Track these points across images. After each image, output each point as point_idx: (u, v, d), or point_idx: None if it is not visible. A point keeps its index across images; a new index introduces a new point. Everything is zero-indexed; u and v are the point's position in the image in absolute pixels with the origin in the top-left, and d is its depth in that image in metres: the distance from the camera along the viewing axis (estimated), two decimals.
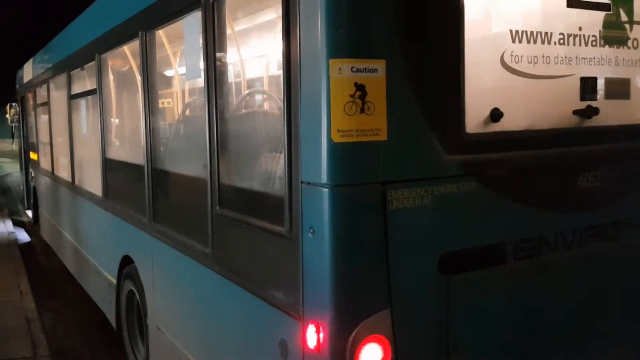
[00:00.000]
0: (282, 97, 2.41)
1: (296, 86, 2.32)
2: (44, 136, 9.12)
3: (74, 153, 6.84)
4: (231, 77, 3.22)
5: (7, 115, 12.66)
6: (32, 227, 11.54)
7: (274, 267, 2.61)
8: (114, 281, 5.25)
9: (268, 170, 2.73)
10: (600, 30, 2.91)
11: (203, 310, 3.50)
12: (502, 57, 2.59)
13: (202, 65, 3.16)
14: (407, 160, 2.33)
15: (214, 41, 3.01)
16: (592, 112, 2.86)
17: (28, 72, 10.63)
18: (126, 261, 4.90)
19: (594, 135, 2.91)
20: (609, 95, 2.98)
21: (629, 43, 3.04)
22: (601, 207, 2.94)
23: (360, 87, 2.17)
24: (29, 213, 12.20)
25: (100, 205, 5.64)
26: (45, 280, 8.06)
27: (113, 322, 5.41)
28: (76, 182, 6.84)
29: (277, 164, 2.61)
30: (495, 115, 2.56)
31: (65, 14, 7.28)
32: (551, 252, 2.75)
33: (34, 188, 10.99)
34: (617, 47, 3.00)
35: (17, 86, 12.65)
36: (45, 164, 9.19)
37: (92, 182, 5.95)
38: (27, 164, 11.93)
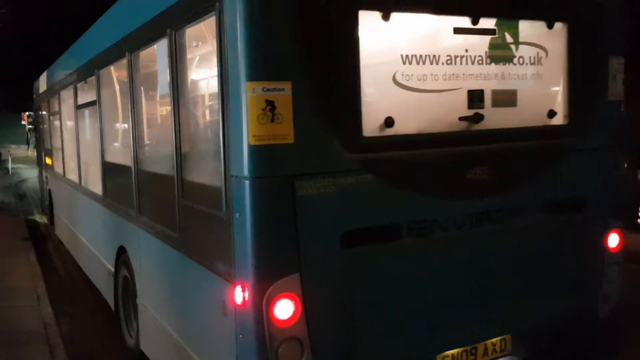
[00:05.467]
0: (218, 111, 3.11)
1: (227, 102, 3.02)
2: (56, 142, 9.97)
3: (80, 157, 7.64)
4: (191, 93, 3.94)
5: (23, 122, 13.61)
6: (47, 231, 12.06)
7: (217, 244, 3.29)
8: (112, 269, 5.98)
9: (213, 167, 3.42)
10: (486, 51, 3.55)
11: (173, 286, 4.21)
12: (394, 76, 3.26)
13: (168, 83, 3.87)
14: (312, 158, 2.99)
15: (176, 64, 3.72)
16: (479, 118, 3.50)
17: (43, 83, 11.51)
18: (121, 251, 5.63)
19: (483, 137, 3.53)
20: (497, 103, 3.60)
21: (515, 60, 3.67)
22: (490, 195, 3.56)
23: (270, 103, 2.86)
24: (45, 215, 13.04)
25: (100, 203, 6.40)
26: (62, 285, 8.16)
27: (112, 305, 6.15)
28: (82, 183, 7.63)
29: (218, 163, 3.30)
30: (389, 122, 3.22)
31: (80, 26, 7.93)
32: (443, 231, 3.39)
33: (49, 191, 11.83)
34: (504, 64, 3.63)
35: (34, 96, 13.56)
36: (57, 167, 10.03)
37: (94, 182, 6.73)
38: (42, 168, 12.81)
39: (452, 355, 3.53)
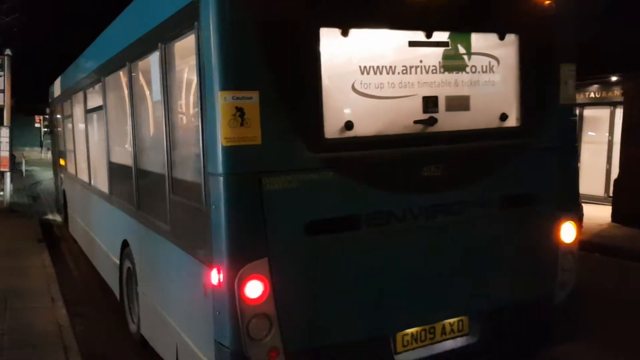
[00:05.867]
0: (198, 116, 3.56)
1: (204, 108, 3.46)
2: (69, 144, 10.52)
3: (89, 158, 8.16)
4: (178, 100, 4.40)
5: (37, 124, 14.22)
6: (61, 232, 12.40)
7: (199, 233, 3.74)
8: (118, 261, 6.47)
9: (195, 166, 3.86)
10: (440, 61, 3.95)
11: (166, 273, 4.68)
12: (353, 85, 3.68)
13: (160, 90, 4.34)
14: (277, 157, 3.43)
15: (166, 73, 4.18)
16: (433, 121, 3.90)
17: (57, 88, 12.09)
18: (125, 244, 6.11)
19: (437, 138, 3.92)
20: (451, 108, 3.99)
21: (468, 69, 4.07)
22: (445, 190, 3.95)
23: (239, 109, 3.30)
24: (60, 215, 13.61)
25: (107, 200, 6.90)
26: (76, 286, 8.27)
27: (117, 295, 6.64)
28: (92, 183, 8.15)
29: (199, 162, 3.73)
30: (348, 125, 3.63)
31: (94, 29, 8.28)
32: (399, 222, 3.79)
33: (64, 191, 12.39)
34: (457, 73, 4.03)
35: (49, 100, 14.17)
36: (70, 168, 10.59)
37: (102, 182, 7.24)
38: (57, 170, 13.39)
39: (412, 333, 3.94)
